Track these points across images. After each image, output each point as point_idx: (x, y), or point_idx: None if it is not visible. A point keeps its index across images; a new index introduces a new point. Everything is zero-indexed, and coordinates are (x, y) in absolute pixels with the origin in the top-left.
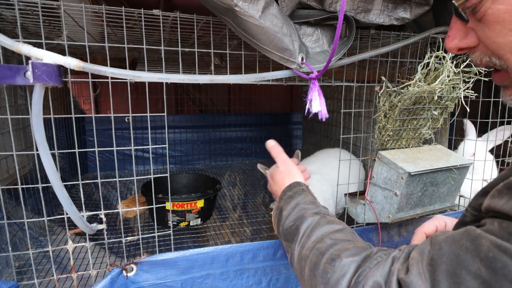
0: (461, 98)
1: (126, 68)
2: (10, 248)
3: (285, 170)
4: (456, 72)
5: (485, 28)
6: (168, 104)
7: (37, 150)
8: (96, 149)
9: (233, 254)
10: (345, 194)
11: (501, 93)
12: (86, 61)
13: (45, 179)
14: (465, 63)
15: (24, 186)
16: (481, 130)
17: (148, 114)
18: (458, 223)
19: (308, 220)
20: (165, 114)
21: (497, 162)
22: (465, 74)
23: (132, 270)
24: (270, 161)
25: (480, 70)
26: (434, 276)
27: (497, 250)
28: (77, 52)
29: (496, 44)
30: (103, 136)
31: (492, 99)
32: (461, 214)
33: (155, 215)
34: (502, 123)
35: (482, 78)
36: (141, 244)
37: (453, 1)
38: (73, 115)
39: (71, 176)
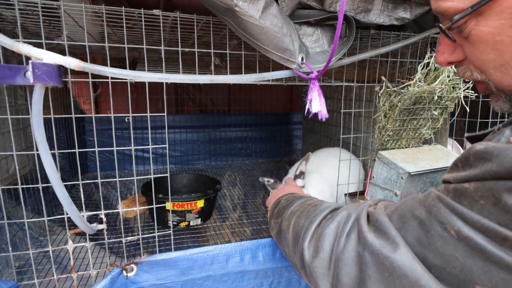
0: (461, 98)
1: (126, 68)
2: (10, 248)
3: (292, 186)
4: (456, 72)
5: (470, 46)
6: (168, 104)
7: (37, 150)
8: (96, 149)
9: (232, 253)
10: (345, 194)
11: (490, 99)
12: (86, 61)
13: (45, 179)
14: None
15: (24, 186)
16: (481, 130)
17: (148, 114)
18: None
19: (304, 198)
20: (165, 114)
21: None
22: (457, 75)
23: (132, 270)
24: (270, 161)
25: None
26: (390, 217)
27: (437, 199)
28: (77, 52)
29: (480, 61)
30: (103, 136)
31: None
32: None
33: (155, 215)
34: (502, 123)
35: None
36: (141, 244)
37: (440, 25)
38: (73, 115)
39: (71, 176)
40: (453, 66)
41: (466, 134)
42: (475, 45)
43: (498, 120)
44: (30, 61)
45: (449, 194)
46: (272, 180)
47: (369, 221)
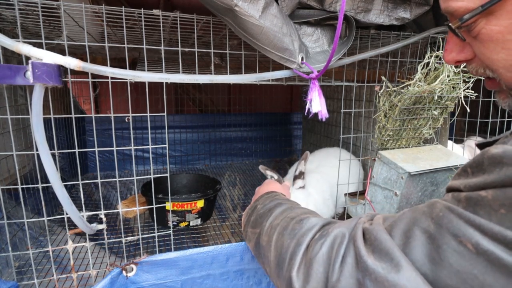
0: (461, 98)
1: (126, 68)
2: (10, 248)
3: (266, 184)
4: (456, 72)
5: (480, 45)
6: (168, 104)
7: (37, 150)
8: (96, 149)
9: (232, 253)
10: (345, 194)
11: (495, 95)
12: (86, 61)
13: (45, 179)
14: (465, 63)
15: (24, 186)
16: (481, 130)
17: (148, 114)
18: None
19: (283, 205)
20: (165, 114)
21: None
22: (465, 74)
23: (132, 270)
24: (270, 161)
25: None
26: (390, 233)
27: (446, 210)
28: (77, 52)
29: (490, 59)
30: (103, 136)
31: (492, 99)
32: None
33: (155, 215)
34: (502, 123)
35: (482, 78)
36: (141, 244)
37: (449, 24)
38: (73, 115)
39: (71, 176)
40: (453, 66)
41: (476, 142)
42: (485, 44)
43: (498, 120)
44: (30, 61)
45: (460, 203)
46: (276, 176)
47: (365, 239)
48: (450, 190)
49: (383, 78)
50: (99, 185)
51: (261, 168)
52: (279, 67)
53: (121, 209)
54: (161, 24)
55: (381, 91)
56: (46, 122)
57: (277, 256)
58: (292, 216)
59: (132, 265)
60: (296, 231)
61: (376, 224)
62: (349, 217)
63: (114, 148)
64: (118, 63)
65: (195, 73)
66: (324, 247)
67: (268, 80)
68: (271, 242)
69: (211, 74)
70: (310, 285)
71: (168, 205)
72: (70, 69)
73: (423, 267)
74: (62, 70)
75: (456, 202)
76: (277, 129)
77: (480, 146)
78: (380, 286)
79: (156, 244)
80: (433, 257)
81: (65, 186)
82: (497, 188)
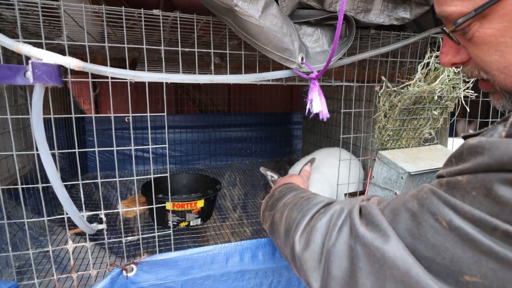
0: (461, 98)
1: (126, 68)
2: (10, 248)
3: (288, 177)
4: (456, 72)
5: (474, 47)
6: (168, 104)
7: (37, 150)
8: (96, 149)
9: (232, 252)
10: (345, 194)
11: (489, 97)
12: (86, 61)
13: (45, 179)
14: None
15: (24, 186)
16: None
17: (148, 114)
18: None
19: (297, 190)
20: (165, 114)
21: None
22: (465, 74)
23: (132, 270)
24: (270, 161)
25: None
26: (382, 211)
27: (429, 192)
28: (77, 52)
29: (483, 62)
30: (103, 136)
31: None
32: None
33: (155, 215)
34: None
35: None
36: (141, 244)
37: (444, 28)
38: (73, 115)
39: (71, 176)
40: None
41: (462, 134)
42: (479, 46)
43: (498, 120)
44: (30, 61)
45: (442, 187)
46: (276, 177)
47: (361, 214)
48: (437, 177)
49: (383, 78)
50: (99, 185)
51: (262, 169)
52: (279, 67)
53: (121, 209)
54: (161, 24)
55: (381, 91)
56: (46, 122)
57: (286, 227)
58: (302, 196)
59: (132, 265)
60: (303, 206)
61: (371, 203)
62: None
63: (114, 148)
64: (118, 63)
65: (195, 73)
66: (324, 218)
67: (268, 80)
68: (282, 216)
69: (211, 74)
70: (309, 249)
71: (168, 205)
72: (70, 69)
73: (405, 240)
74: (62, 70)
75: (439, 186)
76: (277, 129)
77: (465, 138)
78: (367, 249)
79: (156, 244)
80: (413, 232)
81: (65, 186)
82: (471, 174)
